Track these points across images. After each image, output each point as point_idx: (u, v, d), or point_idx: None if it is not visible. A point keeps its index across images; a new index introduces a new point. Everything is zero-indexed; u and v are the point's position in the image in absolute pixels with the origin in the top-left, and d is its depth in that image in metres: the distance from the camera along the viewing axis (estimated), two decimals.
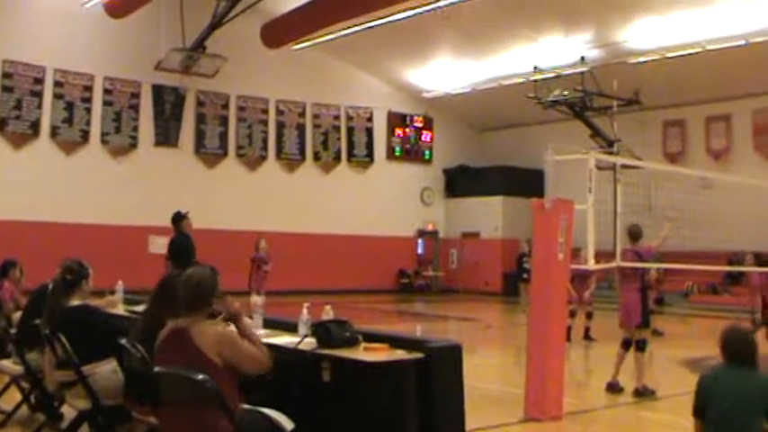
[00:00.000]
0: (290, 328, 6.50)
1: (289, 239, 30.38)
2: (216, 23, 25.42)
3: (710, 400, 4.80)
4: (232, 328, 6.47)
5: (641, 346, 11.06)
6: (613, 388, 11.02)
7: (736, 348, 4.83)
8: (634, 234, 11.21)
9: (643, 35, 26.17)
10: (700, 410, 4.85)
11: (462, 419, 5.54)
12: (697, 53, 25.95)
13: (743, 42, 24.95)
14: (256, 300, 17.19)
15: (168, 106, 29.55)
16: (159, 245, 27.64)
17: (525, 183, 26.40)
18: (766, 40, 24.42)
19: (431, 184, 36.21)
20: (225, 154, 30.82)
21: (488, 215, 34.24)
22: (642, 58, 27.12)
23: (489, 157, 35.72)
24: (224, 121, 30.83)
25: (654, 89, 27.69)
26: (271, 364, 5.34)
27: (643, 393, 10.84)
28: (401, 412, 5.33)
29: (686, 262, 17.87)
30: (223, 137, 30.79)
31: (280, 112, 32.12)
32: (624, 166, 14.71)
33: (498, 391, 11.55)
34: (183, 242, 13.67)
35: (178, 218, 13.99)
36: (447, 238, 36.48)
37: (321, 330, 5.91)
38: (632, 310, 10.98)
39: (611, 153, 24.02)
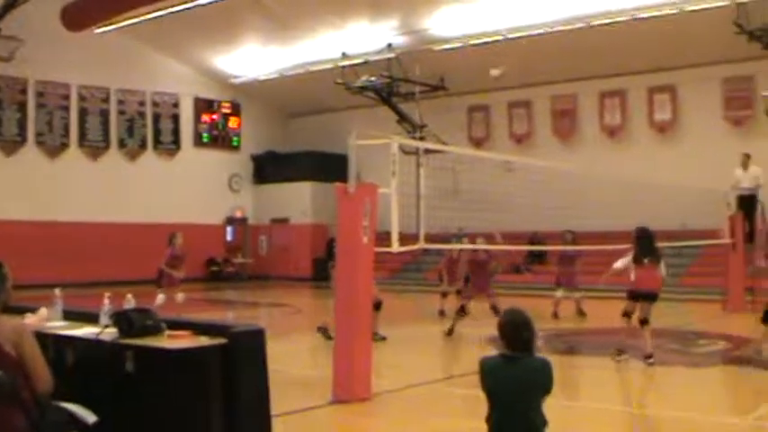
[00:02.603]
0: (92, 318, 6.32)
1: (93, 229, 29.64)
2: (11, 3, 24.41)
3: (492, 386, 4.94)
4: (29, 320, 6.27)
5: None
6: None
7: (511, 333, 4.95)
8: None
9: (448, 23, 26.79)
10: (485, 391, 5.00)
11: (267, 404, 5.53)
12: (499, 41, 26.79)
13: (542, 31, 25.94)
14: (163, 297, 16.50)
15: None
16: None
17: (334, 168, 26.48)
18: (565, 30, 25.47)
19: (239, 171, 35.99)
20: (23, 141, 29.61)
21: (297, 201, 34.37)
22: (447, 45, 27.76)
23: (298, 143, 35.81)
24: (22, 107, 29.59)
25: (459, 75, 28.40)
26: (52, 389, 5.18)
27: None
28: (205, 398, 5.29)
29: (490, 243, 18.41)
30: (21, 123, 29.57)
31: (82, 98, 31.14)
32: (428, 151, 14.99)
33: (308, 376, 11.63)
34: None
35: None
36: (256, 224, 36.38)
37: (122, 319, 5.77)
38: None
39: (416, 138, 24.47)
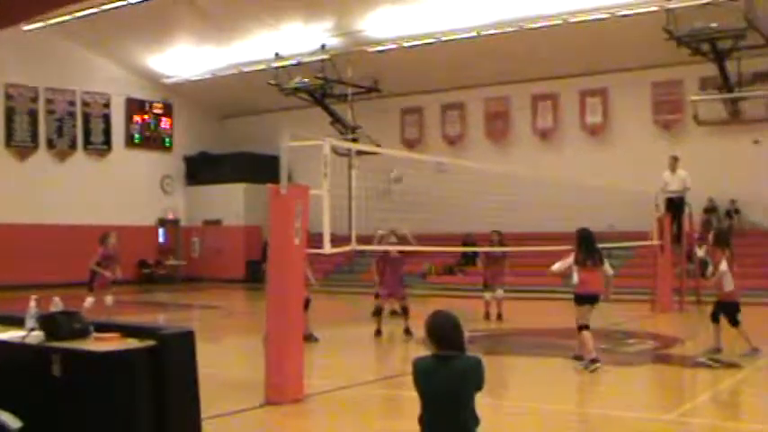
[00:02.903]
0: (18, 322, 6.21)
1: (21, 231, 29.13)
2: None
3: (424, 386, 4.93)
4: None
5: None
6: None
7: (441, 334, 4.93)
8: None
9: (382, 24, 26.84)
10: (419, 391, 4.98)
11: (197, 406, 5.49)
12: (433, 43, 26.93)
13: (474, 34, 26.12)
14: (91, 301, 16.30)
15: None
16: None
17: (267, 169, 26.36)
18: (497, 33, 25.70)
19: (171, 172, 35.68)
20: None
21: (230, 202, 34.16)
22: (381, 47, 27.81)
23: (231, 144, 35.60)
24: None
25: (392, 77, 28.49)
26: None
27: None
28: (134, 401, 5.23)
29: (424, 244, 18.51)
30: None
31: (9, 97, 30.57)
32: (361, 153, 15.03)
33: (240, 378, 11.55)
34: None
35: None
36: (189, 226, 36.10)
37: (49, 323, 5.69)
38: None
39: (350, 140, 24.48)
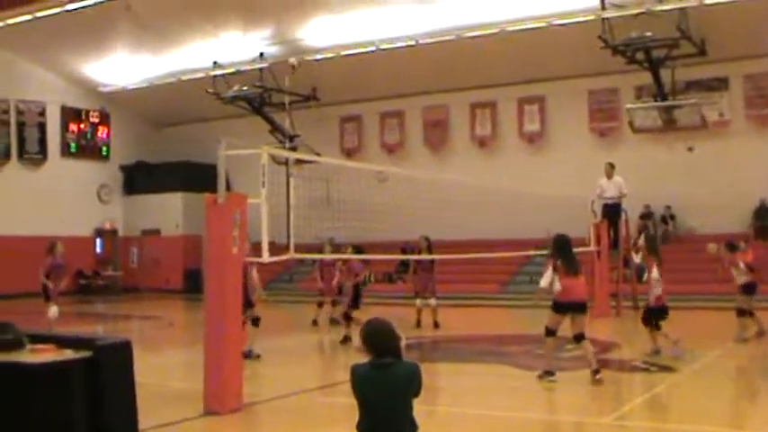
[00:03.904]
0: None
1: None
2: None
3: (363, 393, 4.95)
4: None
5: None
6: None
7: (377, 341, 4.94)
8: None
9: (320, 33, 26.91)
10: (357, 398, 5.00)
11: (134, 417, 5.46)
12: (371, 52, 27.00)
13: (413, 43, 26.27)
14: (55, 311, 16.14)
15: None
16: None
17: (206, 178, 26.12)
18: (434, 42, 25.85)
19: (108, 182, 35.24)
20: None
21: (169, 212, 33.84)
22: (319, 56, 27.83)
23: (169, 153, 35.24)
24: None
25: (331, 86, 28.55)
26: None
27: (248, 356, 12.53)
28: (70, 413, 5.18)
29: (364, 252, 18.56)
30: None
31: None
32: (299, 161, 15.05)
33: (180, 388, 11.47)
34: None
35: None
36: (126, 236, 35.70)
37: None
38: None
39: (290, 148, 24.45)
